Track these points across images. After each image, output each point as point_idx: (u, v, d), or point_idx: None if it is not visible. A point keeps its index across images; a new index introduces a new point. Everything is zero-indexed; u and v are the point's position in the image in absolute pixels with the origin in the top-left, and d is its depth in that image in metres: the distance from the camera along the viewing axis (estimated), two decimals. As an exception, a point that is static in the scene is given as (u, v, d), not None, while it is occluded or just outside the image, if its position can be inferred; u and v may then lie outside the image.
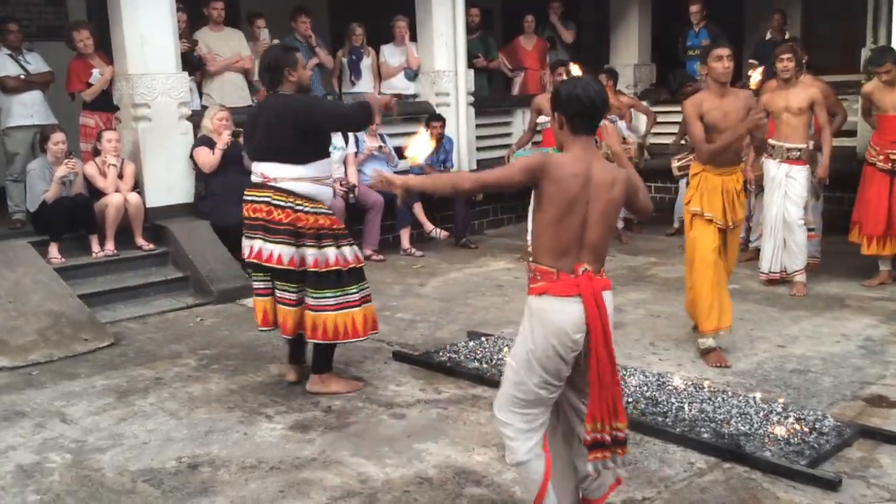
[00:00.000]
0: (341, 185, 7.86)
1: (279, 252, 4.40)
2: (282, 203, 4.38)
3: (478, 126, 9.74)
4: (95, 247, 6.75)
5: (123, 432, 4.18)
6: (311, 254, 4.41)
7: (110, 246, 6.80)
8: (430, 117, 8.72)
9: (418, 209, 8.39)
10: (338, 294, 4.45)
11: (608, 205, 2.84)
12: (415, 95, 9.56)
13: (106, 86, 7.37)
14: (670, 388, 4.36)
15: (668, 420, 4.01)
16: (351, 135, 8.12)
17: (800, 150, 6.35)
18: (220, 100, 7.89)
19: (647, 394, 4.29)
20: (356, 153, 8.15)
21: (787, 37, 9.15)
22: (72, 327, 5.60)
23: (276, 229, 4.39)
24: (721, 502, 3.32)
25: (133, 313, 6.31)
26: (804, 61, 6.55)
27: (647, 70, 11.24)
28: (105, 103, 7.43)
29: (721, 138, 4.88)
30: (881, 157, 6.41)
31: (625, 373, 4.58)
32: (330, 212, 4.53)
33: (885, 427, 3.92)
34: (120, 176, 6.93)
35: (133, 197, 6.91)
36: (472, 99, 9.56)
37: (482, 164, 9.69)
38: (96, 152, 6.98)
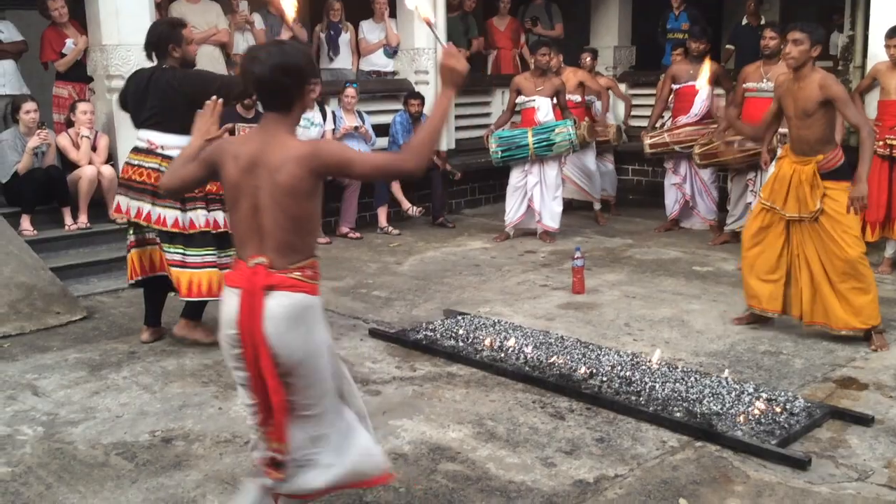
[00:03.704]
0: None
1: (165, 215, 4.70)
2: None
3: (457, 105, 9.69)
4: (68, 219, 6.68)
5: (96, 406, 4.15)
6: (202, 215, 4.76)
7: (83, 219, 6.72)
8: (408, 95, 8.67)
9: (396, 187, 8.36)
10: (211, 253, 4.81)
11: (274, 191, 2.51)
12: (394, 73, 9.50)
13: (80, 56, 7.27)
14: (644, 367, 4.40)
15: (641, 399, 4.04)
16: (329, 112, 8.06)
17: None
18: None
19: (622, 373, 4.32)
20: (333, 130, 8.09)
21: (762, 21, 9.18)
22: (44, 300, 5.53)
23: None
24: (692, 480, 3.37)
25: (106, 287, 6.25)
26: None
27: (627, 52, 11.24)
28: (79, 74, 7.32)
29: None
30: (880, 144, 6.39)
31: (599, 352, 4.62)
32: None
33: (855, 408, 3.98)
34: (93, 148, 6.84)
35: (107, 169, 6.82)
36: (450, 77, 9.49)
37: (461, 144, 9.67)
38: (69, 123, 6.88)
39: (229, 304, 2.58)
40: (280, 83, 2.54)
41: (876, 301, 4.81)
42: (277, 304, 2.52)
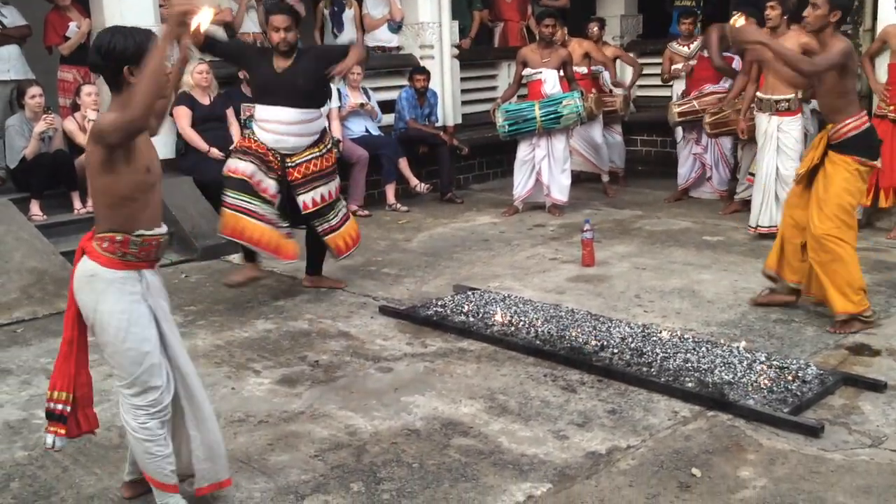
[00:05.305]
0: (325, 139, 7.77)
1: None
2: None
3: (462, 79, 9.64)
4: (77, 203, 6.68)
5: (110, 388, 4.15)
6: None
7: (92, 202, 6.72)
8: (413, 70, 8.62)
9: (403, 164, 8.34)
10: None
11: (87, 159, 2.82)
12: (399, 48, 9.44)
13: (84, 39, 7.24)
14: (655, 338, 4.39)
15: (652, 370, 4.04)
16: (335, 90, 8.02)
17: (788, 100, 6.26)
18: (200, 53, 7.74)
19: (633, 345, 4.32)
20: (339, 108, 8.06)
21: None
22: (55, 284, 5.56)
23: None
24: (705, 450, 3.37)
25: (117, 270, 6.26)
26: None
27: (634, 21, 11.13)
28: (83, 57, 7.27)
29: None
30: (891, 108, 6.29)
31: (610, 324, 4.62)
32: None
33: (868, 375, 3.97)
34: (100, 132, 6.82)
35: (114, 153, 6.81)
36: (456, 51, 9.46)
37: (467, 118, 9.63)
38: (75, 107, 6.87)
39: None
40: (97, 65, 2.76)
41: (849, 286, 4.52)
42: (78, 267, 2.84)
